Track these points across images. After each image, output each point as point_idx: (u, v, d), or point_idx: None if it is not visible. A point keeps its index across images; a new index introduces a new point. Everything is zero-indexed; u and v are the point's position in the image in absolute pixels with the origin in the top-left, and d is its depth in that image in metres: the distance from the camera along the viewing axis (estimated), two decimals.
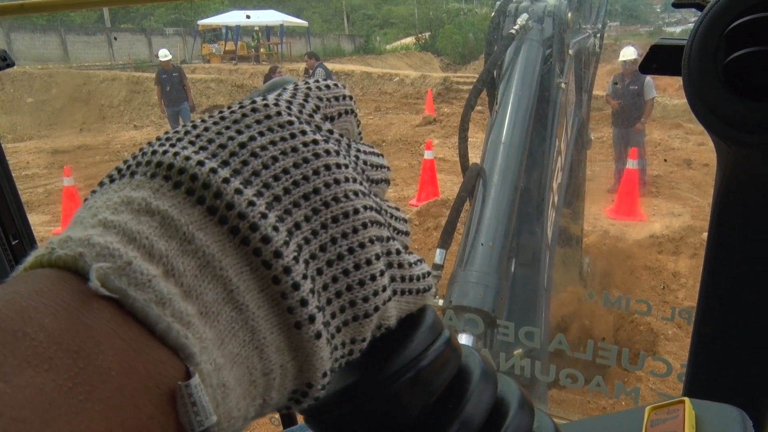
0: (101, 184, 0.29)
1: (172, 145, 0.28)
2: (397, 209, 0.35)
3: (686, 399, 0.53)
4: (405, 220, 0.35)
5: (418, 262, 0.34)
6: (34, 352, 0.20)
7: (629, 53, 8.46)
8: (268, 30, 23.27)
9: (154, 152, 0.28)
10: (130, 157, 0.29)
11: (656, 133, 11.18)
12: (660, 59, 0.87)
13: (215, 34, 23.37)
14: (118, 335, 0.22)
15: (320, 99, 0.33)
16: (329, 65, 15.25)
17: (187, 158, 0.27)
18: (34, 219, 7.41)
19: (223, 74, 17.85)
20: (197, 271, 0.24)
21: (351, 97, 0.36)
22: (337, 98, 0.35)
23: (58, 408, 0.19)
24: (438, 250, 2.96)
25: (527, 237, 3.63)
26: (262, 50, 22.56)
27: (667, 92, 13.12)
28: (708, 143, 0.71)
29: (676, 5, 0.87)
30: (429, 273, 0.34)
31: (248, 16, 21.13)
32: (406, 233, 0.35)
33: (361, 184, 0.31)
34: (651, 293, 5.58)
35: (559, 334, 1.65)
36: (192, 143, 0.28)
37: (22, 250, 1.52)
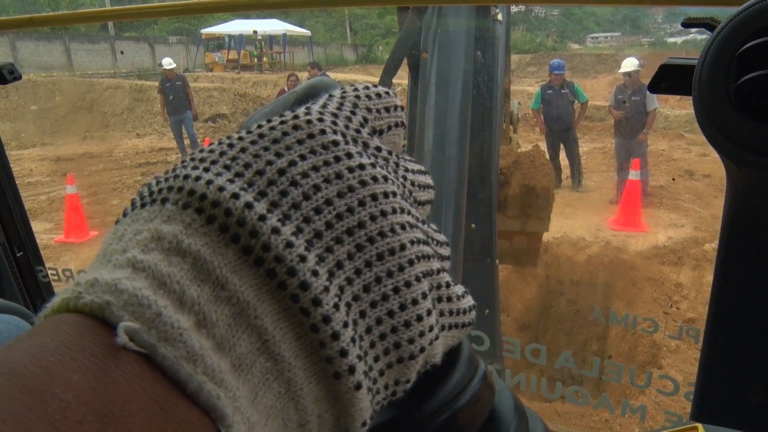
0: (133, 205, 0.27)
1: (206, 170, 0.26)
2: (438, 232, 0.32)
3: (699, 426, 0.53)
4: (447, 244, 0.32)
5: (465, 294, 0.32)
6: (63, 416, 0.19)
7: (631, 64, 8.48)
8: (271, 39, 23.33)
9: (186, 176, 0.26)
10: (161, 176, 0.27)
11: (658, 143, 11.21)
12: (669, 79, 0.86)
13: (218, 43, 23.44)
14: (147, 394, 0.20)
15: (369, 110, 0.31)
16: (332, 75, 15.27)
17: (221, 188, 0.25)
18: (36, 226, 7.41)
19: (226, 83, 17.87)
20: (231, 320, 0.23)
21: (402, 108, 0.33)
22: (387, 109, 0.32)
23: None
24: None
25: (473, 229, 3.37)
26: (265, 59, 22.62)
27: (669, 103, 13.16)
28: (710, 154, 0.71)
29: (686, 25, 0.87)
30: (474, 306, 0.32)
31: (255, 32, 21.18)
32: (447, 258, 0.32)
33: (408, 213, 0.28)
34: (653, 305, 5.57)
35: (565, 351, 1.64)
36: (227, 167, 0.26)
37: (26, 261, 1.52)
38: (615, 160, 9.23)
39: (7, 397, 0.18)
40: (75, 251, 7.51)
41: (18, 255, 1.51)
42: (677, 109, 13.32)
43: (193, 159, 0.27)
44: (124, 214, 0.27)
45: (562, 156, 9.27)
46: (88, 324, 0.21)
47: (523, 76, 21.73)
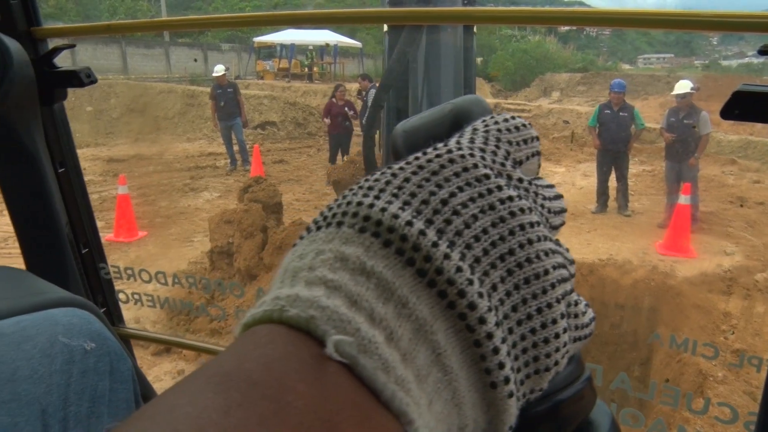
0: (308, 230, 0.30)
1: (377, 198, 0.29)
2: (567, 250, 0.34)
3: None
4: (573, 262, 0.34)
5: (586, 308, 0.34)
6: (298, 422, 0.21)
7: (684, 86, 8.35)
8: (322, 49, 23.60)
9: (359, 203, 0.29)
10: (333, 204, 0.30)
11: (710, 168, 10.98)
12: (743, 106, 0.86)
13: (270, 51, 23.80)
14: (353, 402, 0.23)
15: (510, 143, 0.34)
16: None
17: (395, 216, 0.27)
18: None
19: (276, 91, 18.11)
20: (411, 335, 0.25)
21: (538, 138, 0.36)
22: (526, 141, 0.35)
23: None
24: None
25: None
26: (315, 69, 22.88)
27: (722, 128, 12.88)
28: (764, 181, 0.70)
29: (762, 52, 0.87)
30: (594, 318, 0.35)
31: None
32: (573, 275, 0.35)
33: (549, 240, 0.31)
34: (700, 333, 5.44)
35: (621, 373, 1.62)
36: (395, 196, 0.29)
37: (90, 258, 1.57)
38: (665, 184, 9.07)
39: (253, 407, 0.21)
40: (123, 250, 7.69)
41: (83, 252, 1.56)
42: (730, 134, 13.03)
43: (361, 187, 0.30)
44: (301, 237, 0.30)
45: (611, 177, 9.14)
46: (299, 336, 0.24)
47: (573, 95, 21.56)
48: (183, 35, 25.40)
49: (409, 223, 0.27)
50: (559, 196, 0.35)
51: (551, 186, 0.35)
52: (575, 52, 30.90)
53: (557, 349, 0.30)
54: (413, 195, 0.29)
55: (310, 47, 22.61)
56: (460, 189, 0.29)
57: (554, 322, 0.30)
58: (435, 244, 0.27)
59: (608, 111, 8.91)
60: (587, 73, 24.06)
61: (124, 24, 1.41)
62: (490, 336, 0.27)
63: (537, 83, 23.82)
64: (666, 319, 5.73)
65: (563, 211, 0.35)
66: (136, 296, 1.98)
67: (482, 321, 0.27)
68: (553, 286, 0.30)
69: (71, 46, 1.36)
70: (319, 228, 0.29)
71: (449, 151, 0.31)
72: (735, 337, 5.30)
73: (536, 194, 0.33)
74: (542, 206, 0.33)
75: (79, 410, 0.89)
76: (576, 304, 0.33)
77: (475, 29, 3.47)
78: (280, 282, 0.28)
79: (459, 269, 0.27)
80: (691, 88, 8.34)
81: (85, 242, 1.56)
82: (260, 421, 0.21)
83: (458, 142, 0.32)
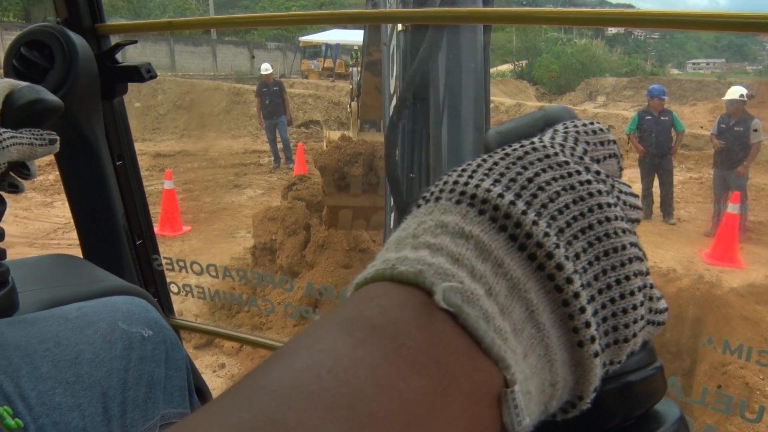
0: (411, 211, 0.33)
1: (470, 177, 0.32)
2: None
3: None
4: (645, 257, 0.37)
5: (661, 297, 0.36)
6: (414, 360, 0.24)
7: (735, 92, 8.17)
8: None
9: (455, 182, 0.32)
10: (433, 187, 0.33)
11: (760, 177, 10.71)
12: None
13: (315, 50, 23.96)
14: (458, 347, 0.26)
15: (588, 143, 0.36)
16: None
17: (488, 190, 0.30)
18: None
19: (320, 90, 18.23)
20: (507, 292, 0.28)
21: (615, 142, 0.38)
22: (602, 143, 0.37)
23: (436, 409, 0.24)
24: None
25: None
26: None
27: None
28: None
29: None
30: (667, 308, 0.36)
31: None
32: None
33: (625, 221, 0.33)
34: (746, 345, 5.31)
35: (672, 377, 1.60)
36: (486, 175, 0.31)
37: (144, 249, 1.62)
38: (712, 192, 8.89)
39: (375, 344, 0.25)
40: (167, 244, 7.82)
41: (137, 243, 1.60)
42: None
43: (454, 171, 0.33)
44: (406, 218, 0.33)
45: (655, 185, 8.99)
46: (409, 289, 0.27)
47: (618, 100, 21.25)
48: (229, 33, 25.75)
49: (501, 195, 0.30)
50: (635, 195, 0.38)
51: (627, 185, 0.38)
52: (622, 56, 30.44)
53: (635, 321, 0.32)
54: (502, 174, 0.31)
55: (355, 47, 22.71)
56: (543, 170, 0.32)
57: (632, 294, 0.32)
58: (524, 212, 0.29)
59: (649, 117, 8.76)
60: (634, 77, 23.69)
61: (185, 21, 1.45)
62: (576, 295, 0.29)
63: (582, 87, 23.54)
64: (711, 329, 5.61)
65: (639, 207, 0.38)
66: (187, 288, 2.02)
67: (569, 281, 0.29)
68: (630, 260, 0.32)
69: (133, 42, 1.41)
70: (419, 206, 0.32)
71: (531, 143, 0.34)
72: None
73: (613, 186, 0.35)
74: (618, 198, 0.35)
75: (136, 395, 0.92)
76: (651, 287, 0.35)
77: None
78: (386, 250, 0.31)
79: (546, 234, 0.29)
80: (745, 95, 8.15)
81: (139, 234, 1.60)
82: (383, 356, 0.24)
83: (540, 139, 0.35)
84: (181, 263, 1.92)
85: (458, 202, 0.30)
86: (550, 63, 25.99)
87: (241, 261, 6.96)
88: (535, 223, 0.29)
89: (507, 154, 0.33)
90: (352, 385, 0.23)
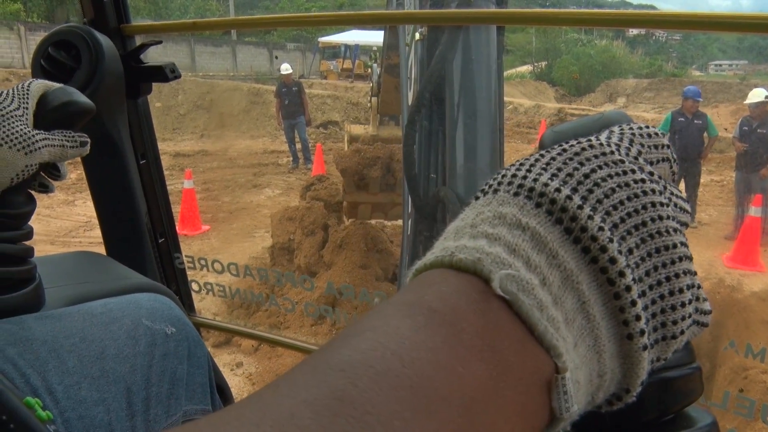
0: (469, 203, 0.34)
1: (528, 171, 0.33)
2: None
3: None
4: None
5: (707, 298, 0.37)
6: (472, 344, 0.26)
7: (759, 95, 8.07)
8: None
9: (513, 176, 0.33)
10: (492, 180, 0.34)
11: None
12: None
13: (334, 51, 24.01)
14: (513, 333, 0.27)
15: (642, 145, 0.37)
16: None
17: (546, 184, 0.31)
18: None
19: (339, 91, 18.25)
20: (560, 282, 0.29)
21: (669, 146, 0.39)
22: (656, 146, 0.38)
23: (491, 393, 0.25)
24: None
25: None
26: None
27: None
28: None
29: None
30: (711, 311, 0.37)
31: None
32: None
33: (676, 221, 0.34)
34: None
35: None
36: (544, 170, 0.32)
37: (166, 248, 1.63)
38: (734, 195, 8.78)
39: (435, 329, 0.26)
40: (187, 243, 7.86)
41: (160, 241, 1.62)
42: None
43: (513, 165, 0.34)
44: (464, 209, 0.35)
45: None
46: (467, 277, 0.29)
47: (639, 102, 21.07)
48: (249, 34, 25.86)
49: (558, 189, 0.31)
50: (685, 199, 0.38)
51: (678, 189, 0.39)
52: (643, 58, 30.19)
53: (683, 318, 0.33)
54: (559, 170, 0.32)
55: (374, 48, 22.72)
56: (599, 167, 0.33)
57: (681, 291, 0.33)
58: (580, 207, 0.31)
59: (682, 119, 8.59)
60: (655, 79, 23.48)
61: (208, 22, 1.47)
62: (628, 289, 0.30)
63: (602, 88, 23.37)
64: (732, 333, 5.54)
65: (688, 212, 0.38)
66: (208, 286, 2.04)
67: (621, 274, 0.30)
68: (680, 259, 0.33)
69: (158, 42, 1.42)
70: (477, 199, 0.34)
71: (588, 140, 0.35)
72: None
73: (665, 188, 0.36)
74: (669, 199, 0.36)
75: (159, 391, 0.93)
76: (699, 287, 0.35)
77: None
78: (444, 239, 0.32)
79: (601, 228, 0.30)
80: (767, 97, 8.04)
81: (161, 232, 1.62)
82: (443, 340, 0.25)
83: (597, 137, 0.36)
84: (203, 261, 1.93)
85: (516, 195, 0.32)
86: (570, 64, 25.84)
87: (259, 260, 6.99)
88: (590, 217, 0.30)
89: (564, 150, 0.34)
90: (414, 367, 0.24)
